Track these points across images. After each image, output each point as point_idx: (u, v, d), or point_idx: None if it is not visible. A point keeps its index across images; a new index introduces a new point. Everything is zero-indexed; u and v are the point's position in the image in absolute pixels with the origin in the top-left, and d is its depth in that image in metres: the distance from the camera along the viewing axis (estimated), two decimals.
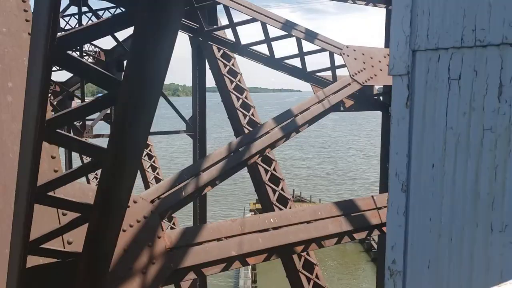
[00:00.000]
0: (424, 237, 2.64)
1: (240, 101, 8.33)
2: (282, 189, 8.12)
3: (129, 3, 1.87)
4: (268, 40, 6.89)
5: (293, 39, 6.63)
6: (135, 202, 3.98)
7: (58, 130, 2.07)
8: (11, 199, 2.43)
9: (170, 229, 7.74)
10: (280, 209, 8.05)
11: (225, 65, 8.53)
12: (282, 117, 5.84)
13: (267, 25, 6.50)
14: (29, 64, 1.91)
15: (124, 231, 3.84)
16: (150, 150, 17.25)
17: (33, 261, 2.58)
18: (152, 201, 4.09)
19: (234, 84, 8.51)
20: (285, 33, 6.45)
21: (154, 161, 16.66)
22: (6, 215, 2.66)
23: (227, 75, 8.50)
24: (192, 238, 4.19)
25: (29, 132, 1.98)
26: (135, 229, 3.90)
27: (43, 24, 1.69)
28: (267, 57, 7.30)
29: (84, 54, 17.74)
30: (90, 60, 18.42)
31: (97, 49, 17.69)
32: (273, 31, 6.64)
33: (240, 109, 8.24)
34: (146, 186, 15.44)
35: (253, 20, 6.71)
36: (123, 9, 2.05)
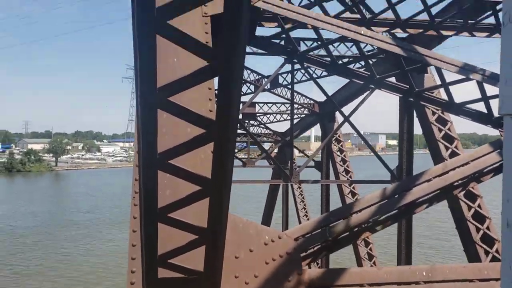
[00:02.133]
0: None
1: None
2: (487, 228, 7.53)
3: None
4: (445, 85, 6.54)
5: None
6: (279, 237, 4.30)
7: (169, 99, 2.46)
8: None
9: (310, 268, 7.77)
10: (486, 250, 7.44)
11: (440, 130, 8.59)
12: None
13: (442, 69, 6.22)
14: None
15: (267, 263, 4.19)
16: (301, 192, 20.76)
17: (165, 273, 3.14)
18: (296, 239, 4.35)
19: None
20: (462, 76, 6.05)
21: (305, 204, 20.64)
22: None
23: (441, 140, 8.51)
24: (332, 280, 4.26)
25: (144, 104, 2.45)
26: (277, 263, 4.21)
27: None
28: (445, 102, 6.90)
29: (300, 106, 19.32)
30: (305, 111, 19.89)
31: (312, 101, 19.02)
32: (449, 76, 6.29)
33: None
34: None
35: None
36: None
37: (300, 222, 19.74)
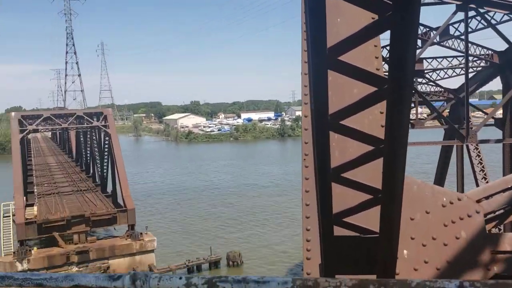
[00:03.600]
0: None
1: None
2: None
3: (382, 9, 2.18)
4: None
5: None
6: (459, 199, 4.02)
7: (340, 122, 2.60)
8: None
9: (498, 231, 6.99)
10: None
11: None
12: None
13: None
14: (308, 72, 2.53)
15: (445, 226, 3.97)
16: (479, 152, 18.71)
17: (341, 231, 3.19)
18: (478, 201, 4.01)
19: None
20: None
21: (483, 165, 18.44)
22: (314, 192, 3.39)
23: None
24: None
25: (318, 125, 2.59)
26: (457, 225, 3.95)
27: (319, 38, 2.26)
28: None
29: (476, 58, 17.46)
30: (482, 63, 17.91)
31: (490, 52, 17.02)
32: None
33: None
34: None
35: None
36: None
37: (477, 185, 18.24)
